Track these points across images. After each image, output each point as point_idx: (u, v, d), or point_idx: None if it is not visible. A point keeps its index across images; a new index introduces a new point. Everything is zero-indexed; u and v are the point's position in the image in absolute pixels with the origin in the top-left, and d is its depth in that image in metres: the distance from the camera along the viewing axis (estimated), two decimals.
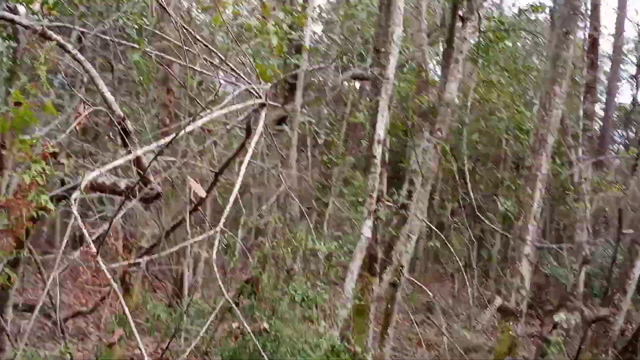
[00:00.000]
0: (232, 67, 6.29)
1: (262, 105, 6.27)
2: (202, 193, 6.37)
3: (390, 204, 11.82)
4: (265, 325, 6.52)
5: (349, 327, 12.31)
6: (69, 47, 5.79)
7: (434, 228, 17.43)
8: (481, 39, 15.30)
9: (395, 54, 10.59)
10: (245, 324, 4.91)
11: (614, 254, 12.03)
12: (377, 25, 11.43)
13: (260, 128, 6.04)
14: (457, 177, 15.00)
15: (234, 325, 6.32)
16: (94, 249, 3.79)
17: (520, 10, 18.42)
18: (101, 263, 3.73)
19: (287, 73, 17.50)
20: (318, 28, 23.13)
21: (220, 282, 4.85)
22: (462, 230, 16.81)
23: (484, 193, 20.45)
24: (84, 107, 5.49)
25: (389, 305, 11.98)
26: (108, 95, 5.68)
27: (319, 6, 20.76)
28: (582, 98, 12.67)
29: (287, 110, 17.54)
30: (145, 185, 6.10)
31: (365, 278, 11.51)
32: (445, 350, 12.76)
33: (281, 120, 17.78)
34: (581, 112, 11.19)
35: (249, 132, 8.35)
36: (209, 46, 6.78)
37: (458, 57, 12.30)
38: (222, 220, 5.26)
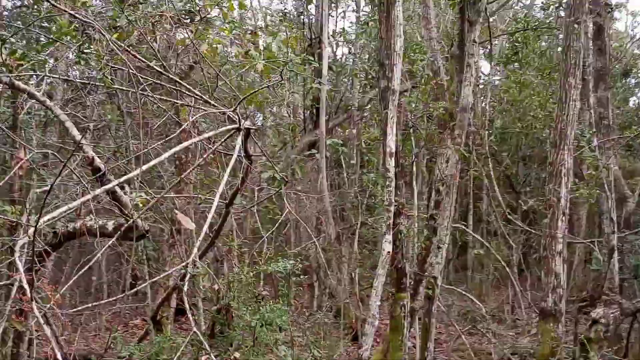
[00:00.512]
0: (200, 96, 6.32)
1: (237, 129, 6.27)
2: (191, 226, 6.38)
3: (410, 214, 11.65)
4: (237, 354, 6.42)
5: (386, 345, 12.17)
6: (38, 95, 5.93)
7: (475, 236, 17.24)
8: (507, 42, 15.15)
9: (399, 65, 10.51)
10: (212, 356, 4.82)
11: None
12: (378, 38, 11.39)
13: (236, 152, 6.04)
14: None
15: (203, 358, 6.21)
16: (28, 296, 3.82)
17: (542, 8, 18.22)
18: (35, 309, 3.76)
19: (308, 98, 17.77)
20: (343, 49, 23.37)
21: (190, 315, 4.83)
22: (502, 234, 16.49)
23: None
24: (25, 152, 5.61)
25: (426, 319, 11.76)
26: (77, 136, 5.79)
27: (342, 29, 21.04)
28: (591, 86, 12.31)
29: (318, 135, 17.68)
30: (135, 225, 6.19)
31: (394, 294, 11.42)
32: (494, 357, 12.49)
33: (312, 146, 17.89)
34: (592, 100, 10.81)
35: (248, 157, 8.43)
36: (182, 82, 6.84)
37: (470, 61, 12.13)
38: (195, 252, 5.28)
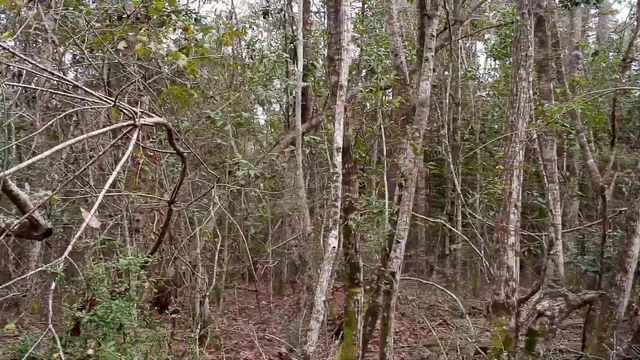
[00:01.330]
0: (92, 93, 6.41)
1: (134, 126, 6.29)
2: (95, 223, 6.49)
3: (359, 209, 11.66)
4: (90, 351, 6.48)
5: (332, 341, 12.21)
6: None
7: (454, 230, 17.15)
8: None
9: (347, 60, 10.57)
10: (61, 353, 4.89)
11: (603, 233, 11.44)
12: (328, 34, 11.45)
13: (130, 149, 6.10)
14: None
15: (55, 355, 6.29)
16: None
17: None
18: None
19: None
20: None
21: (50, 313, 4.91)
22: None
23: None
24: None
25: (385, 314, 11.78)
26: None
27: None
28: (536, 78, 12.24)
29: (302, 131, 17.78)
30: (34, 225, 6.29)
31: (348, 289, 11.47)
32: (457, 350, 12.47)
33: (293, 143, 17.98)
34: (531, 93, 10.73)
35: (179, 154, 8.56)
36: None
37: (427, 55, 12.14)
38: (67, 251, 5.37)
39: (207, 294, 14.50)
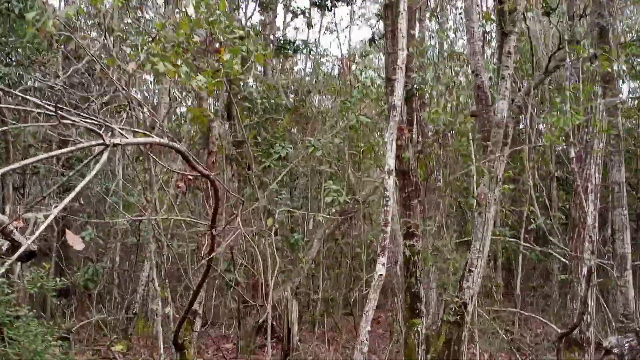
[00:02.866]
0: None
1: (104, 145, 6.23)
2: (79, 246, 6.59)
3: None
4: None
5: None
6: None
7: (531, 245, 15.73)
8: None
9: (401, 80, 10.15)
10: None
11: None
12: (385, 54, 11.10)
13: (97, 168, 6.05)
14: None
15: None
16: None
17: None
18: None
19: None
20: None
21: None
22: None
23: None
24: None
25: (456, 347, 11.07)
26: None
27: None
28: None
29: None
30: (15, 246, 6.47)
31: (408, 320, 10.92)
32: None
33: None
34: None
35: (204, 176, 8.53)
36: None
37: (504, 72, 11.45)
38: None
39: (296, 320, 14.42)
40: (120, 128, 6.46)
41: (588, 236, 9.81)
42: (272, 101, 20.17)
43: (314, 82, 22.39)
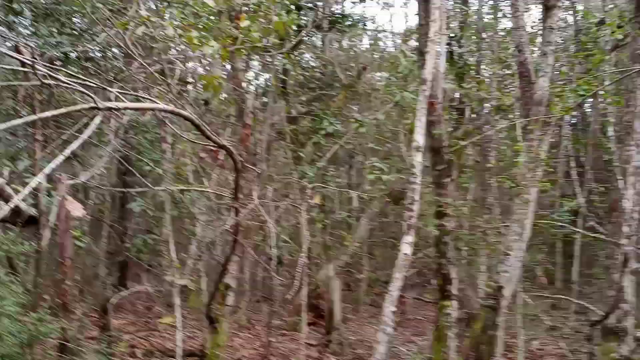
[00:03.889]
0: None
1: (97, 109, 6.06)
2: (80, 213, 6.58)
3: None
4: None
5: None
6: None
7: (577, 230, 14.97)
8: None
9: (433, 53, 9.76)
10: None
11: None
12: (418, 25, 10.70)
13: (88, 132, 5.93)
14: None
15: None
16: None
17: None
18: None
19: None
20: None
21: None
22: None
23: None
24: None
25: (491, 332, 10.67)
26: None
27: None
28: None
29: None
30: (15, 211, 6.49)
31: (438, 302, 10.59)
32: None
33: None
34: None
35: (223, 148, 8.42)
36: None
37: (545, 49, 10.92)
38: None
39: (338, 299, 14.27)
40: (118, 92, 6.34)
41: (626, 220, 9.24)
42: (328, 77, 19.96)
43: (370, 58, 22.02)
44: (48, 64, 6.35)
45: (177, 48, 9.86)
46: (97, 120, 5.96)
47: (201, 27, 9.21)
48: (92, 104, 5.98)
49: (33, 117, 5.44)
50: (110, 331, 11.57)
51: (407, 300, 17.04)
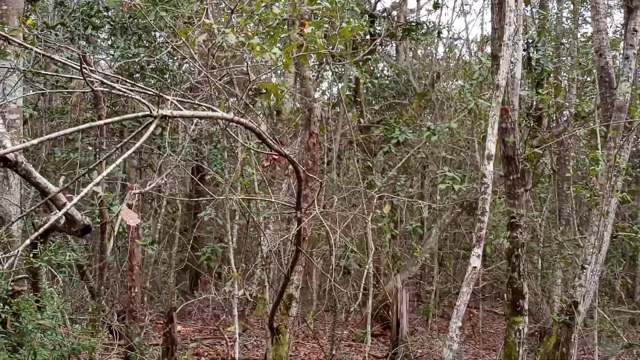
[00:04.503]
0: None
1: (152, 117, 5.99)
2: (135, 222, 6.55)
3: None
4: None
5: None
6: None
7: None
8: None
9: (507, 57, 9.39)
10: None
11: None
12: (492, 29, 10.33)
13: (141, 141, 5.86)
14: None
15: None
16: None
17: None
18: None
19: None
20: None
21: None
22: None
23: None
24: None
25: (564, 349, 10.18)
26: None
27: None
28: None
29: None
30: (69, 220, 6.48)
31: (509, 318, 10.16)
32: None
33: None
34: None
35: (281, 155, 8.26)
36: None
37: (628, 52, 10.41)
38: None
39: (406, 311, 13.90)
40: (175, 99, 6.25)
41: None
42: (401, 85, 19.70)
43: (444, 66, 21.66)
44: (103, 72, 6.36)
45: (243, 56, 9.81)
46: (152, 128, 5.86)
47: (264, 34, 9.16)
48: (147, 112, 5.89)
49: (92, 124, 5.35)
50: (174, 339, 11.55)
51: (477, 313, 16.55)
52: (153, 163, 16.83)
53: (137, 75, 14.59)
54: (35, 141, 4.70)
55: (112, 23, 13.77)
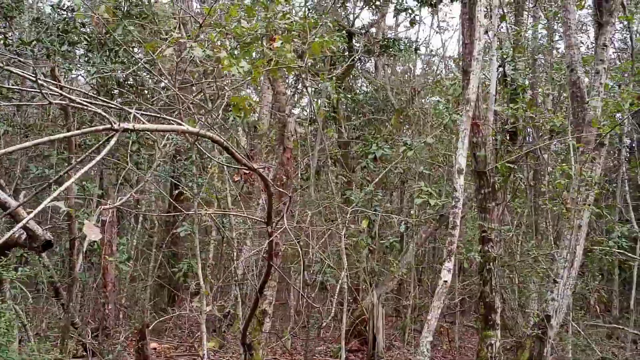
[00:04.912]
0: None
1: (113, 131, 5.96)
2: (97, 236, 6.45)
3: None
4: None
5: None
6: None
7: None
8: None
9: (477, 72, 9.43)
10: None
11: None
12: (462, 45, 10.39)
13: (102, 154, 5.81)
14: None
15: None
16: None
17: None
18: None
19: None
20: None
21: None
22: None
23: None
24: None
25: None
26: None
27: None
28: None
29: None
30: (30, 236, 6.39)
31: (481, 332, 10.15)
32: None
33: None
34: None
35: (250, 169, 8.21)
36: None
37: (599, 67, 10.49)
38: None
39: (382, 327, 13.87)
40: (137, 112, 6.20)
41: None
42: (380, 101, 19.78)
43: (422, 82, 21.77)
44: (61, 85, 6.32)
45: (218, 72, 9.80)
46: (113, 142, 5.83)
47: (239, 48, 9.14)
48: (108, 125, 5.84)
49: (50, 138, 5.29)
50: (146, 356, 11.43)
51: (453, 328, 16.54)
52: (130, 179, 16.76)
53: (115, 91, 14.58)
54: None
55: (88, 39, 13.72)
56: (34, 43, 13.48)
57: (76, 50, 14.59)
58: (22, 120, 15.49)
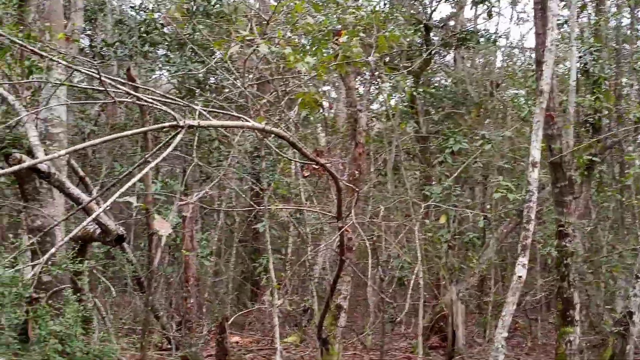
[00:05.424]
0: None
1: (179, 127, 6.09)
2: (167, 231, 6.67)
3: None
4: None
5: None
6: None
7: None
8: None
9: (550, 63, 9.19)
10: None
11: None
12: (535, 35, 10.13)
13: (168, 150, 5.95)
14: None
15: None
16: None
17: None
18: None
19: None
20: None
21: None
22: None
23: None
24: None
25: None
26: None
27: None
28: None
29: None
30: (103, 230, 6.66)
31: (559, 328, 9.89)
32: None
33: None
34: None
35: (320, 165, 8.33)
36: None
37: None
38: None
39: (462, 323, 13.71)
40: (203, 109, 6.33)
41: None
42: (459, 95, 19.51)
43: (502, 74, 21.31)
44: (136, 85, 6.53)
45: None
46: (178, 138, 5.95)
47: (311, 44, 9.21)
48: (174, 123, 5.97)
49: (117, 136, 5.48)
50: (226, 349, 11.67)
51: (530, 325, 16.18)
52: (212, 176, 17.07)
53: (198, 90, 14.88)
54: (63, 152, 4.84)
55: (168, 39, 14.06)
56: (116, 44, 13.95)
57: (157, 51, 15.01)
58: (107, 120, 16.01)
